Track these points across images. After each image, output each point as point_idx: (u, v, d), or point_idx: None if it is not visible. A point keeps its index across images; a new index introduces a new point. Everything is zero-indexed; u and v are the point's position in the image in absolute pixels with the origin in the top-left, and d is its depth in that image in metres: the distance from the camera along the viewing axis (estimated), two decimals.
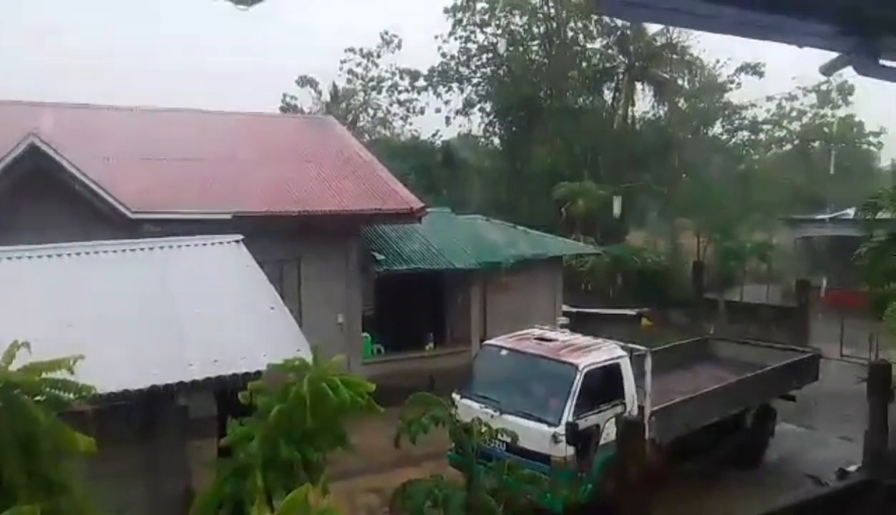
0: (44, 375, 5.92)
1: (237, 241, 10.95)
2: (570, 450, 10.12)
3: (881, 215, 15.50)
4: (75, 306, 8.86)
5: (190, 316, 9.00)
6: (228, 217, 13.19)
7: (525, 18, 34.57)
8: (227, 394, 7.54)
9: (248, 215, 13.70)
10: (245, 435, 6.27)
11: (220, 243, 10.88)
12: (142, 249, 10.54)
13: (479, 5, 34.49)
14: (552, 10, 34.11)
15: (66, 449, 6.04)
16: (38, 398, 5.95)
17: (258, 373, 7.50)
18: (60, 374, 6.01)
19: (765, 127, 39.73)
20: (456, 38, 35.26)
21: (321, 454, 6.31)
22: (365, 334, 17.01)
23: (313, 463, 6.18)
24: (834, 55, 1.15)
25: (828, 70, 1.18)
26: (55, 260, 9.90)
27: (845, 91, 39.41)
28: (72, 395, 5.99)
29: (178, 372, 8.04)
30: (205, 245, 10.80)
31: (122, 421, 8.32)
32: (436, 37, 35.52)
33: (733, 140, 38.17)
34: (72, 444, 5.95)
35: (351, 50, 37.99)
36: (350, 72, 38.46)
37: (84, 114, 16.21)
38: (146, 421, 8.68)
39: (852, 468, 12.35)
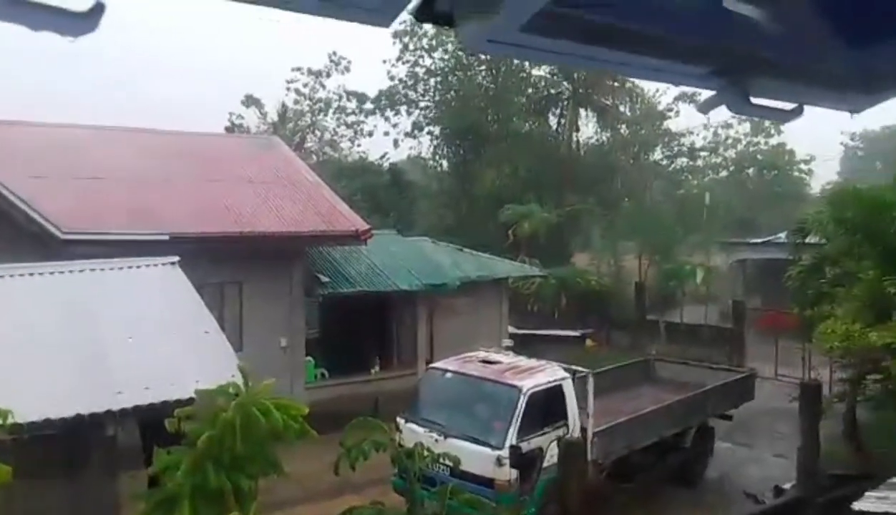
0: None
1: (172, 263, 10.62)
2: (514, 473, 10.09)
3: (809, 239, 16.15)
4: None
5: (120, 342, 8.65)
6: (165, 238, 12.78)
7: None
8: (155, 422, 7.23)
9: (186, 236, 13.31)
10: (173, 464, 6.00)
11: (155, 265, 10.53)
12: (71, 271, 10.10)
13: (425, 29, 34.85)
14: None
15: None
16: None
17: (191, 400, 7.23)
18: None
19: (702, 153, 41.23)
20: (403, 63, 35.53)
21: (253, 481, 6.08)
22: (309, 357, 16.70)
23: (244, 491, 5.94)
24: (710, 93, 1.19)
25: (703, 108, 1.22)
26: None
27: None
28: None
29: (105, 400, 7.69)
30: (138, 267, 10.44)
31: (46, 452, 7.90)
32: (384, 61, 35.73)
33: (672, 165, 39.46)
34: None
35: (298, 69, 37.83)
36: (297, 92, 38.26)
37: (12, 131, 15.56)
38: (72, 452, 8.26)
39: (787, 485, 12.66)
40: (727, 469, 14.46)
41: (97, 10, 0.86)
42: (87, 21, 0.86)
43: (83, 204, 13.66)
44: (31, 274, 9.80)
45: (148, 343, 8.73)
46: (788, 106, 1.25)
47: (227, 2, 0.93)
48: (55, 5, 0.85)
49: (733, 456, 14.98)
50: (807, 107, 1.23)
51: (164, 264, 10.66)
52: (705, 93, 1.20)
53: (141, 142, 17.13)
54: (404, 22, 31.56)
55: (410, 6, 0.93)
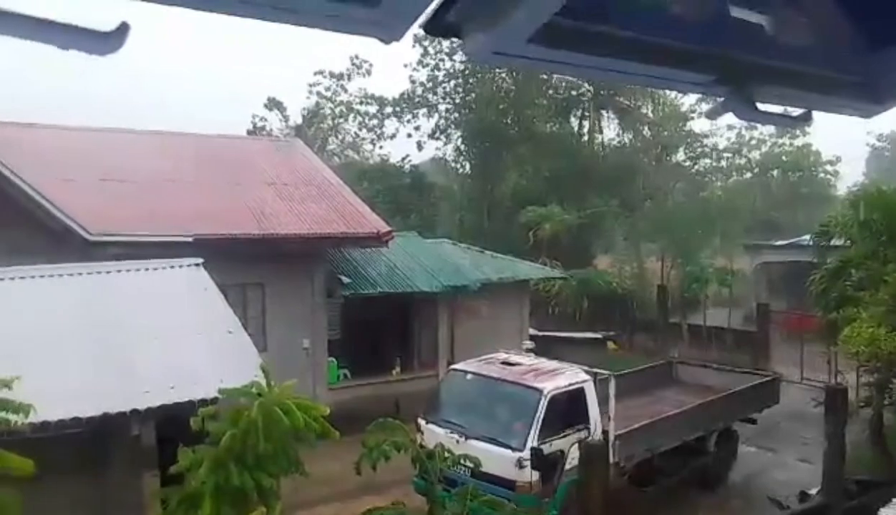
0: None
1: (197, 265, 10.77)
2: (535, 475, 10.07)
3: (834, 242, 15.91)
4: (26, 331, 8.59)
5: (146, 342, 8.80)
6: (190, 239, 12.97)
7: None
8: (175, 421, 7.33)
9: (210, 238, 13.49)
10: (196, 462, 6.09)
11: (180, 266, 10.69)
12: (98, 272, 10.30)
13: None
14: None
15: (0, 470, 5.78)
16: None
17: (215, 399, 7.34)
18: None
19: (726, 155, 40.73)
20: (424, 66, 35.60)
21: (275, 480, 6.15)
22: (331, 359, 16.81)
23: (267, 490, 6.01)
24: (718, 100, 1.21)
25: (711, 115, 1.23)
26: (6, 283, 9.61)
27: None
28: (9, 414, 5.74)
29: (131, 400, 7.82)
30: (164, 268, 10.61)
31: (73, 450, 8.06)
32: (405, 65, 35.84)
33: (696, 167, 39.03)
34: (7, 464, 5.69)
35: (320, 72, 38.12)
36: (319, 95, 38.55)
37: (41, 134, 15.90)
38: (99, 451, 8.41)
39: (813, 491, 12.49)
40: (751, 474, 14.30)
41: (122, 30, 0.89)
42: (113, 40, 0.89)
43: (110, 206, 13.91)
44: (60, 275, 10.01)
45: (173, 343, 8.87)
46: (796, 112, 1.26)
47: (239, 18, 0.96)
48: (82, 26, 0.87)
49: (757, 460, 14.81)
50: (817, 113, 1.24)
51: (188, 265, 10.82)
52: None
53: (166, 145, 17.41)
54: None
55: (420, 20, 0.96)
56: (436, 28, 0.99)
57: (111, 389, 7.99)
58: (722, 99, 1.15)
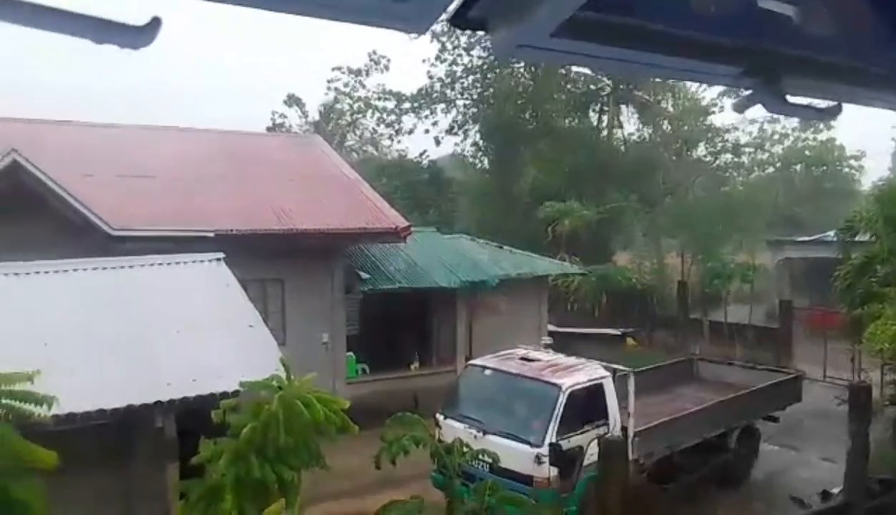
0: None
1: (218, 260, 10.89)
2: (553, 471, 10.06)
3: (859, 238, 15.67)
4: (51, 325, 8.75)
5: (168, 335, 8.91)
6: (211, 235, 13.10)
7: None
8: (196, 413, 7.42)
9: (230, 233, 13.63)
10: (217, 454, 6.16)
11: (201, 261, 10.82)
12: (121, 267, 10.45)
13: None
14: None
15: (24, 463, 5.86)
16: None
17: (236, 392, 7.42)
18: (20, 386, 5.86)
19: (747, 149, 40.17)
20: (442, 61, 35.58)
21: (296, 473, 6.21)
22: (349, 353, 16.90)
23: (288, 483, 6.07)
24: (745, 93, 1.19)
25: (738, 107, 1.21)
26: (32, 277, 9.79)
27: None
28: (34, 406, 5.84)
29: (155, 392, 7.93)
30: (185, 263, 10.74)
31: (98, 442, 8.18)
32: (423, 61, 35.85)
33: (717, 162, 38.54)
34: (30, 457, 5.78)
35: (338, 68, 38.24)
36: (337, 90, 38.69)
37: (61, 130, 16.13)
38: (123, 443, 8.54)
39: (835, 490, 12.34)
40: (773, 472, 14.16)
41: (154, 25, 0.92)
42: (145, 35, 0.92)
43: (130, 202, 14.08)
44: (84, 269, 10.17)
45: (194, 336, 8.98)
46: (826, 104, 1.24)
47: (268, 12, 0.98)
48: (116, 21, 0.90)
49: (779, 459, 14.66)
50: (846, 105, 1.22)
51: (210, 260, 10.95)
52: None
53: (185, 141, 17.57)
54: (442, 22, 31.66)
55: (445, 14, 0.97)
56: (461, 21, 1.00)
57: (135, 381, 8.11)
58: (749, 91, 1.14)
